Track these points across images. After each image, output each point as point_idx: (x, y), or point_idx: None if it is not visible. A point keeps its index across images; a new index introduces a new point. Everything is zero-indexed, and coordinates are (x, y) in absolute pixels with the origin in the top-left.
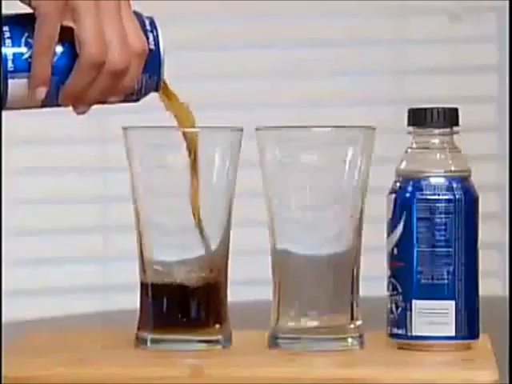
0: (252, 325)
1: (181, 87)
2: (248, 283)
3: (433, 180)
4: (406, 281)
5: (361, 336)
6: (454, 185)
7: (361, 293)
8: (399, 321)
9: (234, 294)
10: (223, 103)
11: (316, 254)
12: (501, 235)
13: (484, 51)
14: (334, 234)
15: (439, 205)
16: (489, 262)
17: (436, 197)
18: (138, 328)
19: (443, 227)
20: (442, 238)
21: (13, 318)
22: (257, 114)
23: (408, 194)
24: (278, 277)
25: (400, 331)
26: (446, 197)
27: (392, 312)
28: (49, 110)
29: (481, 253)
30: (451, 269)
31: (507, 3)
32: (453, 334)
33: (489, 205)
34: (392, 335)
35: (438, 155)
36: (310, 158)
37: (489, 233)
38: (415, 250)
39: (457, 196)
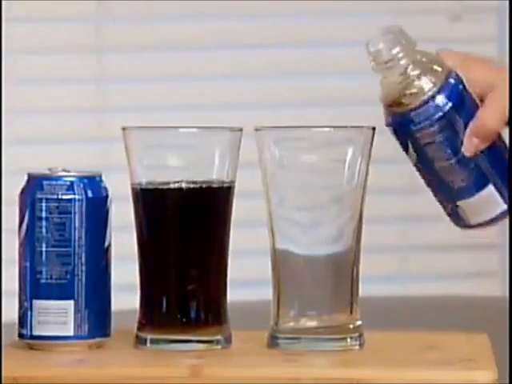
0: (252, 325)
1: (181, 87)
2: (248, 283)
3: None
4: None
5: (360, 336)
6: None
7: (360, 293)
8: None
9: (234, 294)
10: (223, 103)
11: (315, 254)
12: (501, 235)
13: (484, 51)
14: (334, 234)
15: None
16: (489, 262)
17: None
18: (138, 328)
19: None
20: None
21: (13, 318)
22: (256, 114)
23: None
24: (278, 277)
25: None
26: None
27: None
28: (48, 110)
29: (481, 253)
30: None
31: (507, 3)
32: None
33: None
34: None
35: None
36: (310, 157)
37: (489, 233)
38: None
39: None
